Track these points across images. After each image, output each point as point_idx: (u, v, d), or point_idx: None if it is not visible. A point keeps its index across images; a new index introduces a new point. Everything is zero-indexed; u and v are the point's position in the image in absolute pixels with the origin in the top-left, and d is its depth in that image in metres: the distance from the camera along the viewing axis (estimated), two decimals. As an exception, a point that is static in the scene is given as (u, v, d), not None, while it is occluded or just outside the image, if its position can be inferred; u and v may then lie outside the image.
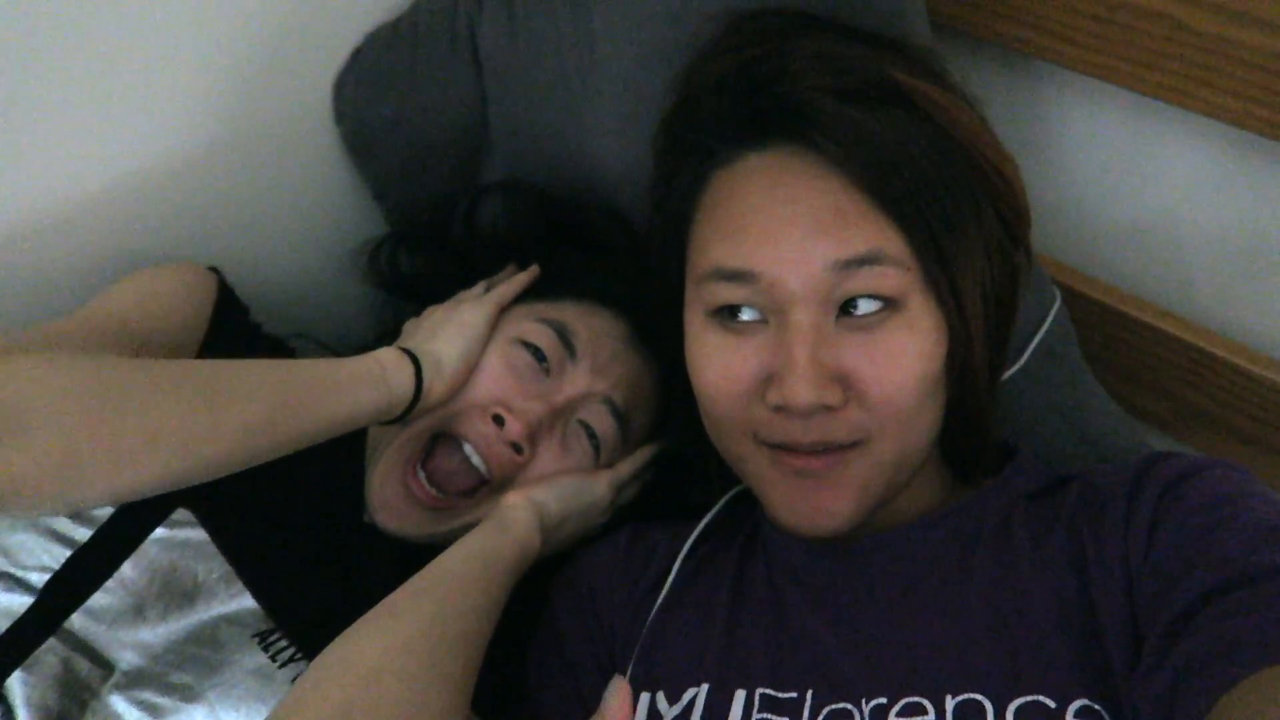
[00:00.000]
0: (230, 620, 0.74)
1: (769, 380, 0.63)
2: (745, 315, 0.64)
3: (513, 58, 0.93)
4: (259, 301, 0.93)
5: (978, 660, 0.59)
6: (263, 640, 0.73)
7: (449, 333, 0.82)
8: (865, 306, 0.62)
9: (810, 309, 0.61)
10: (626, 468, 0.85)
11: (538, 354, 0.82)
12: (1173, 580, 0.56)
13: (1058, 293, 0.86)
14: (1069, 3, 0.81)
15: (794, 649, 0.66)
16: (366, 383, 0.76)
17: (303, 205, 1.04)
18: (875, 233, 0.61)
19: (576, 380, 0.83)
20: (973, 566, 0.64)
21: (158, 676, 0.71)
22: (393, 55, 0.98)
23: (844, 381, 0.62)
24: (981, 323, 0.64)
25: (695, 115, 0.69)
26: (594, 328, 0.85)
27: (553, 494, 0.80)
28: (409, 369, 0.78)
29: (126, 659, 0.71)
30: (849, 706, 0.61)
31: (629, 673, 0.70)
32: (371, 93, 0.99)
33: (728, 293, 0.64)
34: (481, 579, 0.70)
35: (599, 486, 0.83)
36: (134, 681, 0.70)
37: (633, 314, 0.86)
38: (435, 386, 0.79)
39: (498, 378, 0.82)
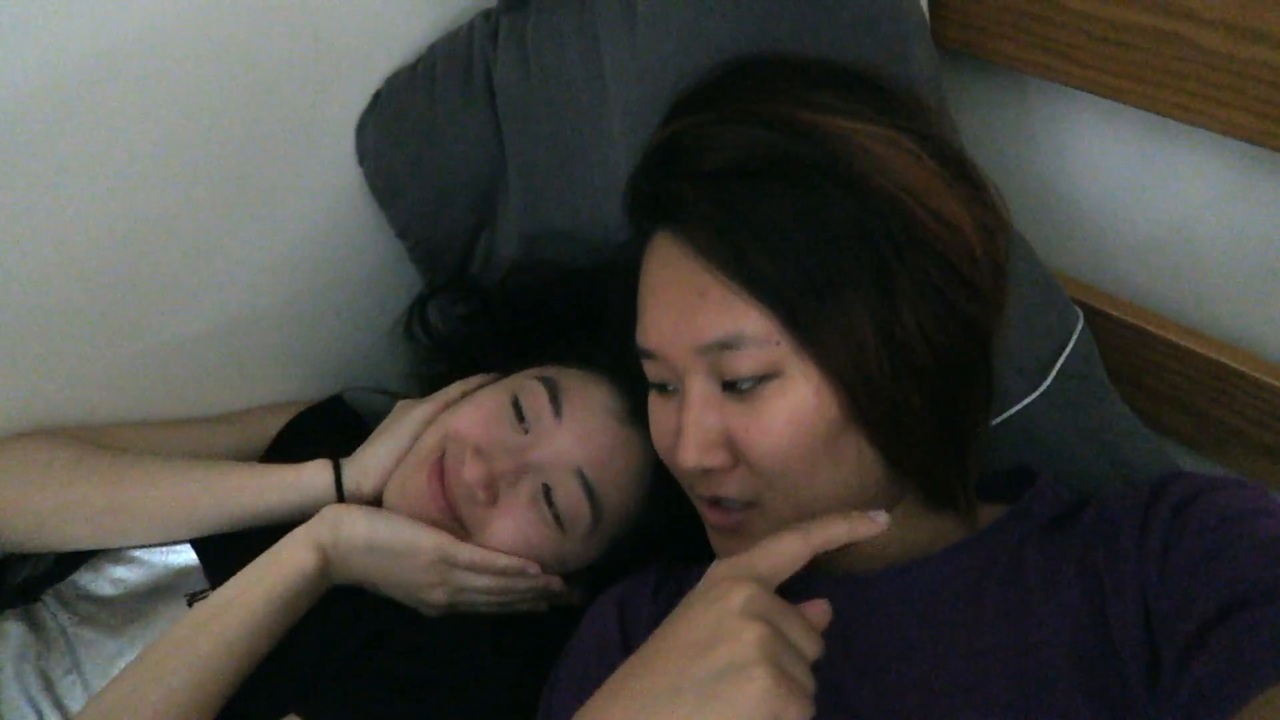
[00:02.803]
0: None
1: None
2: (669, 386, 0.70)
3: (526, 94, 0.95)
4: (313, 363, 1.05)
5: (992, 693, 0.59)
6: (193, 600, 0.85)
7: (387, 434, 0.90)
8: (741, 381, 0.65)
9: (697, 380, 0.67)
10: (469, 554, 0.81)
11: (520, 410, 0.84)
12: (1186, 601, 0.56)
13: (1080, 314, 0.86)
14: (1079, 25, 0.81)
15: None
16: (277, 489, 0.88)
17: (329, 248, 1.06)
18: (734, 315, 0.64)
19: (554, 442, 0.82)
20: (985, 599, 0.64)
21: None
22: (412, 97, 1.00)
23: (730, 446, 0.66)
24: (888, 377, 0.63)
25: (629, 192, 0.74)
26: (589, 396, 0.84)
27: (368, 517, 0.82)
28: (327, 475, 0.88)
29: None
30: None
31: None
32: (392, 134, 1.01)
33: (649, 368, 0.71)
34: (206, 632, 0.76)
35: (424, 539, 0.81)
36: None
37: (631, 389, 0.83)
38: (363, 486, 0.88)
39: (480, 420, 0.85)
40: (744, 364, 0.64)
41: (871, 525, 0.60)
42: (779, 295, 0.63)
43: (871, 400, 0.64)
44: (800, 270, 0.62)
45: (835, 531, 0.59)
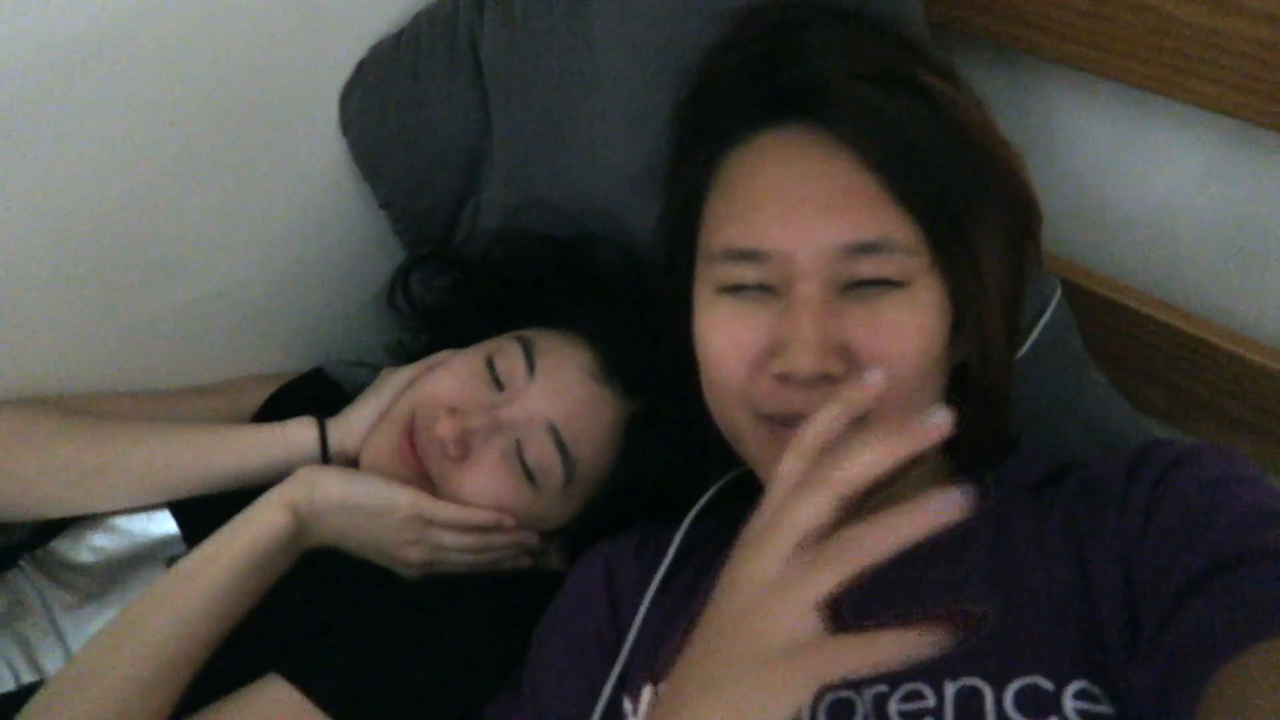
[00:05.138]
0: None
1: (774, 351, 0.64)
2: (754, 289, 0.66)
3: (513, 61, 0.94)
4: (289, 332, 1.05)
5: (976, 646, 0.59)
6: (171, 564, 0.83)
7: (372, 395, 0.90)
8: (870, 285, 0.63)
9: (816, 282, 0.63)
10: (444, 511, 0.82)
11: (495, 370, 0.85)
12: (1166, 565, 0.56)
13: (1058, 283, 0.87)
14: (1058, -2, 0.82)
15: None
16: (261, 446, 0.88)
17: (312, 220, 1.06)
18: (885, 218, 0.62)
19: (526, 399, 0.83)
20: (970, 557, 0.65)
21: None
22: (396, 67, 0.99)
23: (846, 353, 0.63)
24: (997, 307, 0.65)
25: (713, 97, 0.71)
26: (563, 354, 0.85)
27: (342, 477, 0.82)
28: (312, 432, 0.88)
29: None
30: (850, 695, 0.62)
31: (623, 662, 0.71)
32: (376, 105, 1.00)
33: (739, 272, 0.66)
34: (180, 593, 0.76)
35: (400, 496, 0.81)
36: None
37: (607, 348, 0.86)
38: (347, 443, 0.88)
39: (454, 382, 0.86)
40: (883, 269, 0.62)
41: None
42: (932, 206, 0.62)
43: (982, 327, 0.64)
44: (942, 189, 0.62)
45: None
